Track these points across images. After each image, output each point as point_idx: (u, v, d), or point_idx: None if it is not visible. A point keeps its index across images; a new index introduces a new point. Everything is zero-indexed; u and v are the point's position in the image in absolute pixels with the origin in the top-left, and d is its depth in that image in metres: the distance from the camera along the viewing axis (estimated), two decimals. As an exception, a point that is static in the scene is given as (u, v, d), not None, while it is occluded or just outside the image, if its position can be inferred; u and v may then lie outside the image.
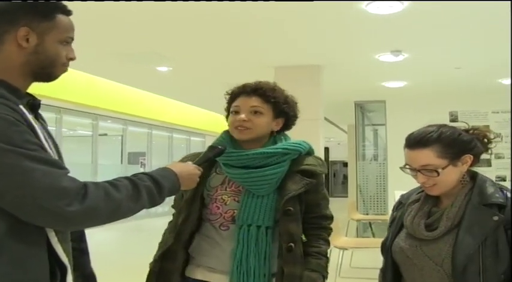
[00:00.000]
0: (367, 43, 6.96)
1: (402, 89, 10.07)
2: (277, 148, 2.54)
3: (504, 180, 10.61)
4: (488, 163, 10.68)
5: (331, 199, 2.31)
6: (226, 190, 2.53)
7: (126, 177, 1.82)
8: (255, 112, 2.54)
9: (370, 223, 11.60)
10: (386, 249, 2.35)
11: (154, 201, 1.86)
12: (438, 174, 2.16)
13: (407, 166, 2.24)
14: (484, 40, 6.75)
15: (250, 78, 2.62)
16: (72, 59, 1.86)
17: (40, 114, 1.92)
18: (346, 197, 17.52)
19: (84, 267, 2.06)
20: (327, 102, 9.56)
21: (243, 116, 2.52)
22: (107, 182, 1.75)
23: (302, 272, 2.44)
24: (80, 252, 2.03)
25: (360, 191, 11.88)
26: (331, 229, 2.66)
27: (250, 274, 2.42)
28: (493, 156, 10.93)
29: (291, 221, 2.46)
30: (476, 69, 8.50)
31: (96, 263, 2.19)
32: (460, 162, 2.19)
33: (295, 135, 8.43)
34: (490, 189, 2.16)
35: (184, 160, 2.47)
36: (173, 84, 8.44)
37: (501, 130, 10.64)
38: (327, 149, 27.75)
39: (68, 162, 1.89)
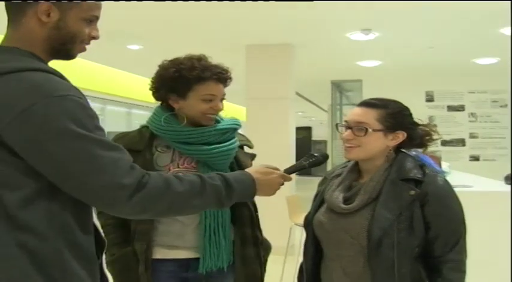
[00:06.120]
0: (336, 22, 6.92)
1: (378, 68, 10.06)
2: (229, 124, 2.61)
3: (477, 159, 10.66)
4: (462, 142, 10.75)
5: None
6: (179, 167, 2.54)
7: (197, 174, 1.88)
8: (221, 99, 2.58)
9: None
10: (308, 223, 2.38)
11: (221, 203, 1.90)
12: (366, 132, 2.20)
13: (345, 122, 2.29)
14: (456, 19, 6.72)
15: (222, 57, 2.58)
16: (95, 37, 1.81)
17: None
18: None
19: None
20: (304, 81, 9.56)
21: (220, 105, 2.55)
22: (174, 174, 1.81)
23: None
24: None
25: (336, 169, 11.83)
26: None
27: (221, 244, 2.52)
28: (467, 135, 11.11)
29: None
30: (449, 49, 8.50)
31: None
32: (392, 135, 2.24)
33: (265, 113, 8.42)
34: (409, 165, 2.21)
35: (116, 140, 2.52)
36: (144, 62, 8.37)
37: (477, 110, 10.75)
38: (309, 128, 27.76)
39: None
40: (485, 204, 4.25)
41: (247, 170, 2.07)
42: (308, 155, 2.31)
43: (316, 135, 28.73)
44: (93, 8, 1.77)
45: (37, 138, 1.55)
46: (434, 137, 2.33)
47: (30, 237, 1.56)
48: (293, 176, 2.24)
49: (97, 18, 1.80)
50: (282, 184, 2.15)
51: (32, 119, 1.54)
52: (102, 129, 1.67)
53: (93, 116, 1.65)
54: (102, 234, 1.81)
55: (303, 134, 28.44)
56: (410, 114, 2.31)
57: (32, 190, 1.57)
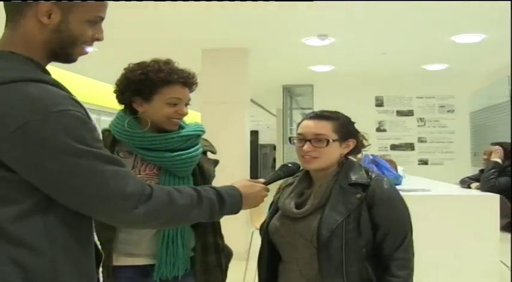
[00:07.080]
0: (293, 27, 6.94)
1: (329, 73, 10.13)
2: (193, 130, 2.57)
3: (426, 163, 10.90)
4: (411, 147, 10.97)
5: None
6: (140, 174, 2.49)
7: (192, 187, 1.88)
8: (186, 104, 2.55)
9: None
10: (264, 230, 2.50)
11: (213, 216, 1.91)
12: (328, 144, 2.33)
13: (299, 135, 2.40)
14: (408, 26, 6.85)
15: (178, 61, 2.55)
16: (99, 39, 1.69)
17: None
18: (275, 180, 17.56)
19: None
20: (255, 86, 9.56)
21: (185, 110, 2.52)
22: (173, 187, 1.80)
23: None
24: None
25: (288, 174, 11.87)
26: None
27: (178, 253, 2.48)
28: (416, 139, 11.31)
29: None
30: (401, 55, 8.65)
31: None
32: (345, 143, 2.40)
33: (220, 118, 8.37)
34: (356, 171, 2.37)
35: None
36: (100, 66, 8.26)
37: (425, 115, 11.00)
38: (256, 132, 27.75)
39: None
40: (446, 207, 4.35)
41: (233, 184, 2.07)
42: (282, 166, 2.40)
43: (262, 139, 28.76)
44: (98, 9, 1.66)
45: (35, 156, 1.47)
46: (365, 143, 2.51)
47: (24, 252, 1.49)
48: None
49: (102, 19, 1.69)
50: (266, 196, 2.19)
51: (29, 136, 1.45)
52: (100, 141, 1.62)
53: (92, 130, 1.57)
54: (99, 247, 1.78)
55: (252, 138, 28.39)
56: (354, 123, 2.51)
57: (28, 204, 1.50)
